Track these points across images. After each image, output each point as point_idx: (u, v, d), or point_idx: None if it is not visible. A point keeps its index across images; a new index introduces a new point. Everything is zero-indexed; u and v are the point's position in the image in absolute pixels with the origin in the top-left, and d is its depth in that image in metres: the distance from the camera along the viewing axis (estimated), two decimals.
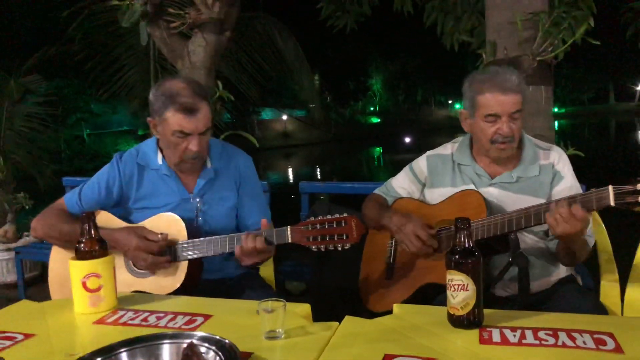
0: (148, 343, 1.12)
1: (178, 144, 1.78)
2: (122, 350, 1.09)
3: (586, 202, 1.50)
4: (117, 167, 1.91)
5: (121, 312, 1.46)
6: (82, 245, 1.45)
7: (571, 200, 1.51)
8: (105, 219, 1.86)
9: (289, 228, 1.64)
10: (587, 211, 1.49)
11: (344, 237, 1.57)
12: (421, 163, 2.00)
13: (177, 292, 1.75)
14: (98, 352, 1.07)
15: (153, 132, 1.86)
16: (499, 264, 1.75)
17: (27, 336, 1.32)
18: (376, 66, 40.95)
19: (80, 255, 1.45)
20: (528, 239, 1.79)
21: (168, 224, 1.80)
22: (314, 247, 1.60)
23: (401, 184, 2.03)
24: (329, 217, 1.60)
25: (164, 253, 1.75)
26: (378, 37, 34.40)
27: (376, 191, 2.09)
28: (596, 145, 20.34)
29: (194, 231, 1.81)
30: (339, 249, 1.59)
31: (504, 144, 1.76)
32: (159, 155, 1.90)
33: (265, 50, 5.87)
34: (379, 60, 40.39)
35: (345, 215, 1.59)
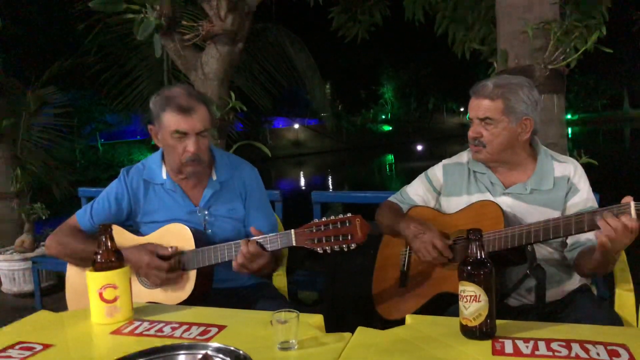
0: (164, 354, 1.13)
1: (176, 146, 1.81)
2: None
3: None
4: (124, 182, 1.94)
5: (137, 323, 1.48)
6: (99, 256, 1.48)
7: (610, 211, 1.46)
8: (117, 233, 1.88)
9: (293, 231, 1.63)
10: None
11: (349, 237, 1.55)
12: (437, 171, 2.01)
13: (188, 300, 1.76)
14: None
15: (155, 140, 1.89)
16: (515, 275, 1.75)
17: (45, 346, 1.34)
18: (387, 74, 40.98)
19: (97, 267, 1.47)
20: (544, 250, 1.78)
21: (176, 234, 1.82)
22: (319, 249, 1.58)
23: (416, 191, 2.03)
24: (332, 217, 1.58)
25: (174, 268, 1.77)
26: (389, 46, 34.44)
27: (391, 198, 2.09)
28: (610, 153, 20.09)
29: (202, 242, 1.82)
30: (345, 249, 1.56)
31: (474, 147, 1.83)
32: (164, 170, 1.93)
33: (278, 60, 5.93)
34: (390, 69, 40.41)
35: (349, 215, 1.57)
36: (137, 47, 5.50)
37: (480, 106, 1.78)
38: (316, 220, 1.60)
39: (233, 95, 3.43)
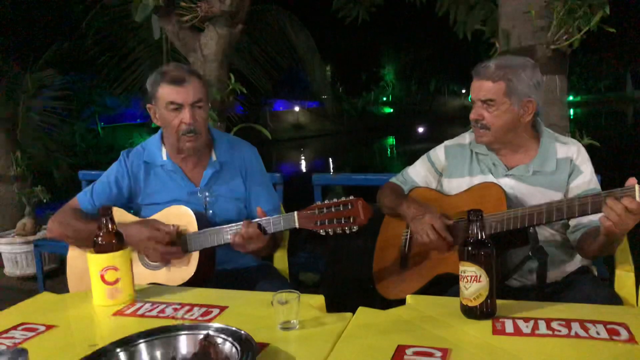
0: (166, 334, 1.14)
1: (172, 119, 1.82)
2: (141, 341, 1.12)
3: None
4: (124, 164, 1.95)
5: (139, 304, 1.49)
6: (100, 238, 1.48)
7: (614, 194, 1.44)
8: (119, 214, 1.89)
9: (296, 213, 1.65)
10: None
11: (351, 219, 1.57)
12: (439, 152, 2.00)
13: (191, 282, 1.77)
14: (118, 343, 1.10)
15: (153, 120, 1.90)
16: (516, 257, 1.75)
17: (48, 327, 1.35)
18: (388, 56, 40.64)
19: (98, 249, 1.48)
20: (546, 232, 1.78)
21: (178, 216, 1.82)
22: (321, 231, 1.60)
23: (418, 172, 2.02)
24: (335, 200, 1.59)
25: (174, 244, 1.77)
26: (390, 27, 34.11)
27: (392, 179, 2.09)
28: (613, 134, 20.00)
29: (204, 223, 1.82)
30: (347, 232, 1.58)
31: (477, 129, 1.80)
32: (164, 151, 1.94)
33: (277, 42, 5.87)
34: (391, 50, 40.07)
35: (351, 197, 1.58)
36: (135, 29, 5.45)
37: (482, 88, 1.75)
38: (319, 203, 1.61)
39: (232, 77, 3.41)
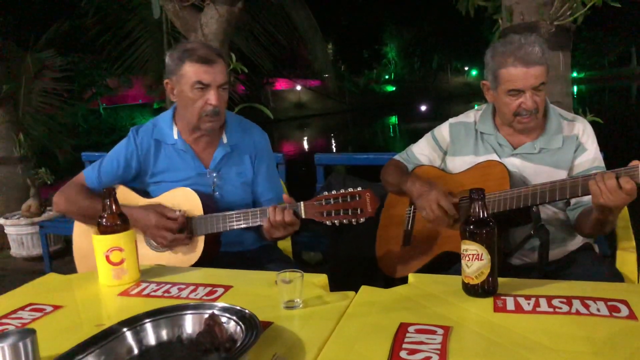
0: (171, 314, 1.15)
1: (196, 99, 1.78)
2: (147, 320, 1.13)
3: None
4: (134, 141, 1.93)
5: (144, 284, 1.50)
6: (104, 220, 1.49)
7: (616, 173, 1.44)
8: (124, 194, 1.89)
9: (302, 204, 1.64)
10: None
11: (359, 211, 1.56)
12: (443, 130, 1.98)
13: (195, 265, 1.78)
14: (124, 323, 1.11)
15: (169, 95, 1.87)
16: (518, 235, 1.75)
17: (56, 308, 1.37)
18: (390, 33, 40.20)
19: (103, 230, 1.49)
20: (549, 211, 1.78)
21: (184, 198, 1.82)
22: (328, 222, 1.59)
23: (422, 150, 2.01)
24: (342, 191, 1.58)
25: (182, 230, 1.78)
26: (392, 4, 33.70)
27: (396, 157, 2.08)
28: (616, 111, 19.85)
29: (210, 206, 1.82)
30: (354, 223, 1.58)
31: (527, 117, 1.73)
32: (175, 130, 1.91)
33: (278, 20, 5.82)
34: (393, 28, 39.60)
35: (359, 189, 1.57)
36: (135, 8, 5.41)
37: (531, 74, 1.67)
38: (326, 193, 1.60)
39: (234, 56, 3.38)
